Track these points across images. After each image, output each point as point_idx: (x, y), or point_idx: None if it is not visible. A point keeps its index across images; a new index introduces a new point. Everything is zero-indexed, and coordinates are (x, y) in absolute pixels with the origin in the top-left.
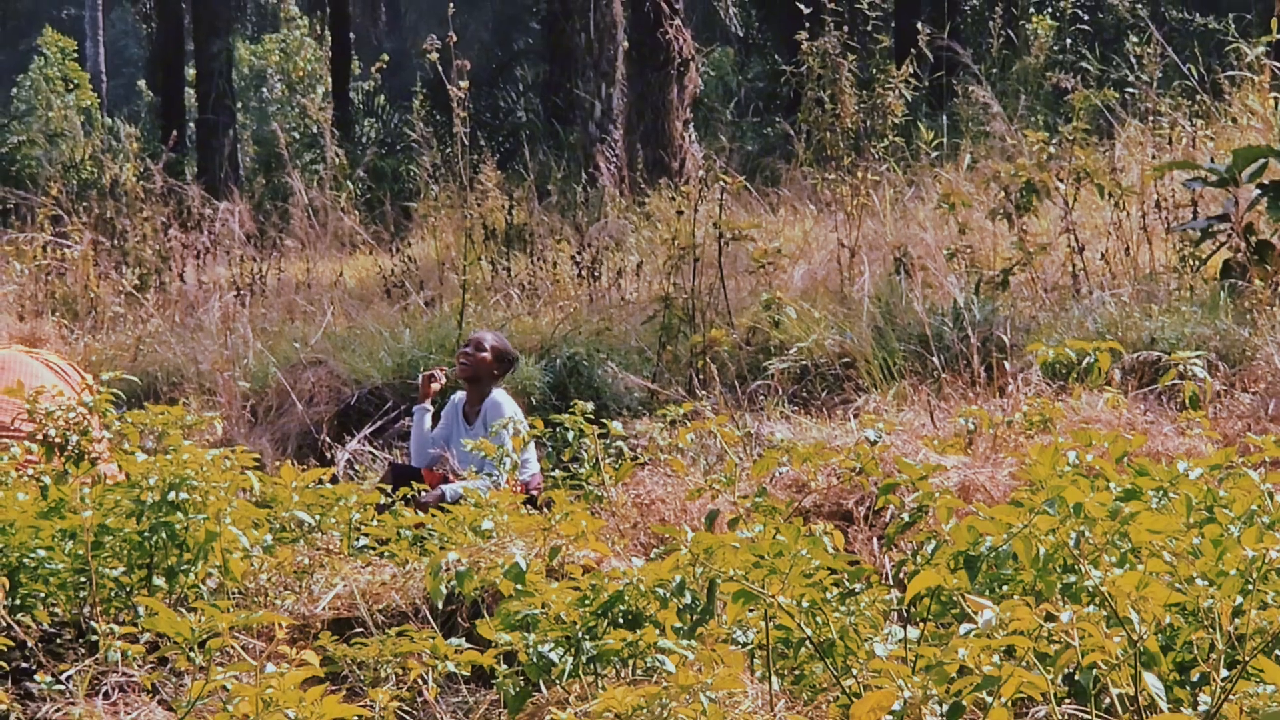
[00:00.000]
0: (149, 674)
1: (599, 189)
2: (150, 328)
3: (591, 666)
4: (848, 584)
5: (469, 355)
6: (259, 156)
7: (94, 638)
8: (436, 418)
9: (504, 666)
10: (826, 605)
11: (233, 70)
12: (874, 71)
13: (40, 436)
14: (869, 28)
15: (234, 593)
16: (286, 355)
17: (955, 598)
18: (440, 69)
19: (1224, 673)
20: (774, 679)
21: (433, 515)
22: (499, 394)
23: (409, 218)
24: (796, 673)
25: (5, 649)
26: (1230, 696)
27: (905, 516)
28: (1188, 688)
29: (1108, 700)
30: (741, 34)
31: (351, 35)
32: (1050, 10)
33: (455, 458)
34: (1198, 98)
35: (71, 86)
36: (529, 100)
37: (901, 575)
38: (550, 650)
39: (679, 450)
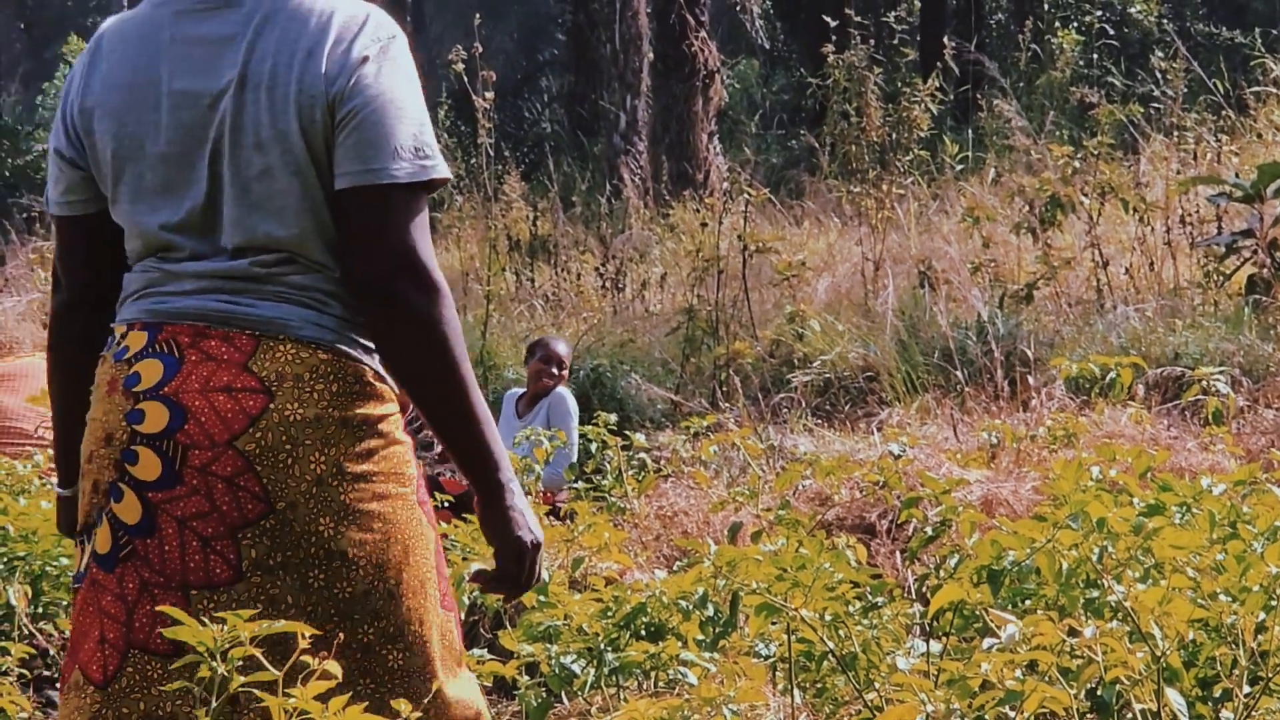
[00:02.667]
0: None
1: (623, 200)
2: None
3: (613, 678)
4: (870, 597)
5: (552, 376)
6: None
7: None
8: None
9: (526, 678)
10: (849, 619)
11: None
12: (899, 85)
13: None
14: (895, 41)
15: None
16: None
17: (978, 612)
18: (465, 79)
19: (1246, 689)
20: (796, 692)
21: (455, 526)
22: (563, 391)
23: (433, 228)
24: (818, 686)
25: (27, 657)
26: (1253, 712)
27: (928, 530)
28: (1210, 704)
29: (1130, 715)
30: (767, 46)
31: None
32: (1076, 25)
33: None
34: (1223, 113)
35: None
36: (554, 111)
37: (924, 589)
38: (572, 662)
39: (702, 463)
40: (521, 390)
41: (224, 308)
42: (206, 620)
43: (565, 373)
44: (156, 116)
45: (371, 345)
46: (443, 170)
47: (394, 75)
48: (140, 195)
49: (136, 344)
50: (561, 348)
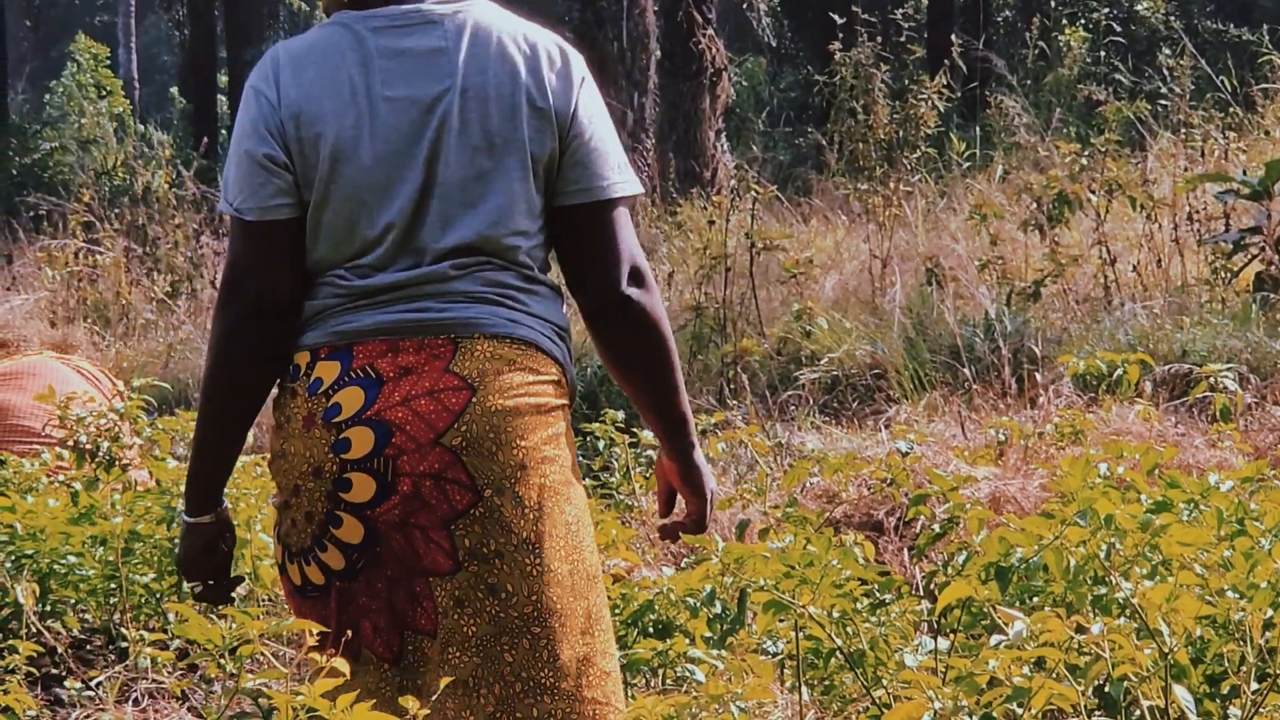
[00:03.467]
0: (179, 681)
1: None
2: (182, 334)
3: (622, 675)
4: (878, 595)
5: None
6: None
7: (124, 644)
8: None
9: None
10: (857, 616)
11: None
12: (907, 82)
13: (71, 443)
14: (902, 38)
15: (264, 600)
16: None
17: (986, 609)
18: None
19: (1254, 685)
20: (804, 689)
21: None
22: None
23: None
24: (826, 683)
25: (35, 655)
26: (1261, 709)
27: (936, 527)
28: (1218, 700)
29: (1138, 712)
30: (774, 44)
31: None
32: (1083, 22)
33: None
34: (1230, 110)
35: (104, 93)
36: None
37: (932, 586)
38: None
39: (709, 460)
40: None
41: (415, 317)
42: (451, 607)
43: None
44: (371, 121)
45: (559, 337)
46: (639, 186)
47: (600, 100)
48: (354, 194)
49: (329, 374)
50: None
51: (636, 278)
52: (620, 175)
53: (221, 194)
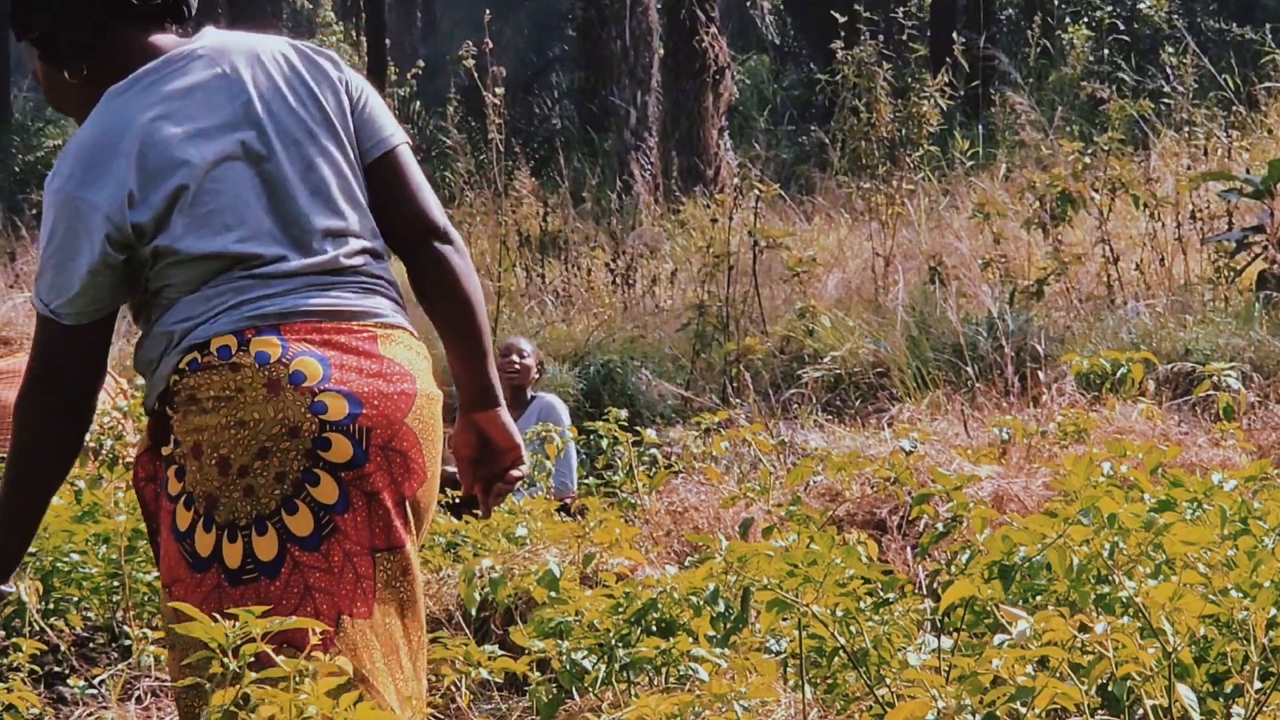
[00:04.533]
0: None
1: (634, 196)
2: None
3: (624, 674)
4: (881, 593)
5: (515, 365)
6: None
7: (127, 642)
8: None
9: (537, 674)
10: (860, 614)
11: None
12: (909, 80)
13: None
14: (905, 37)
15: None
16: None
17: (989, 608)
18: (476, 75)
19: (1258, 685)
20: (807, 688)
21: (466, 522)
22: (552, 398)
23: None
24: (830, 682)
25: (38, 653)
26: (1264, 708)
27: (939, 526)
28: (1221, 700)
29: (1141, 711)
30: (777, 42)
31: (387, 41)
32: (1086, 20)
33: None
34: (1233, 108)
35: None
36: (564, 107)
37: (935, 585)
38: (584, 658)
39: (713, 458)
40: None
41: (326, 302)
42: (382, 588)
43: (529, 362)
44: (194, 152)
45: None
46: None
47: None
48: (205, 221)
49: (271, 348)
50: (520, 341)
51: (440, 210)
52: (396, 128)
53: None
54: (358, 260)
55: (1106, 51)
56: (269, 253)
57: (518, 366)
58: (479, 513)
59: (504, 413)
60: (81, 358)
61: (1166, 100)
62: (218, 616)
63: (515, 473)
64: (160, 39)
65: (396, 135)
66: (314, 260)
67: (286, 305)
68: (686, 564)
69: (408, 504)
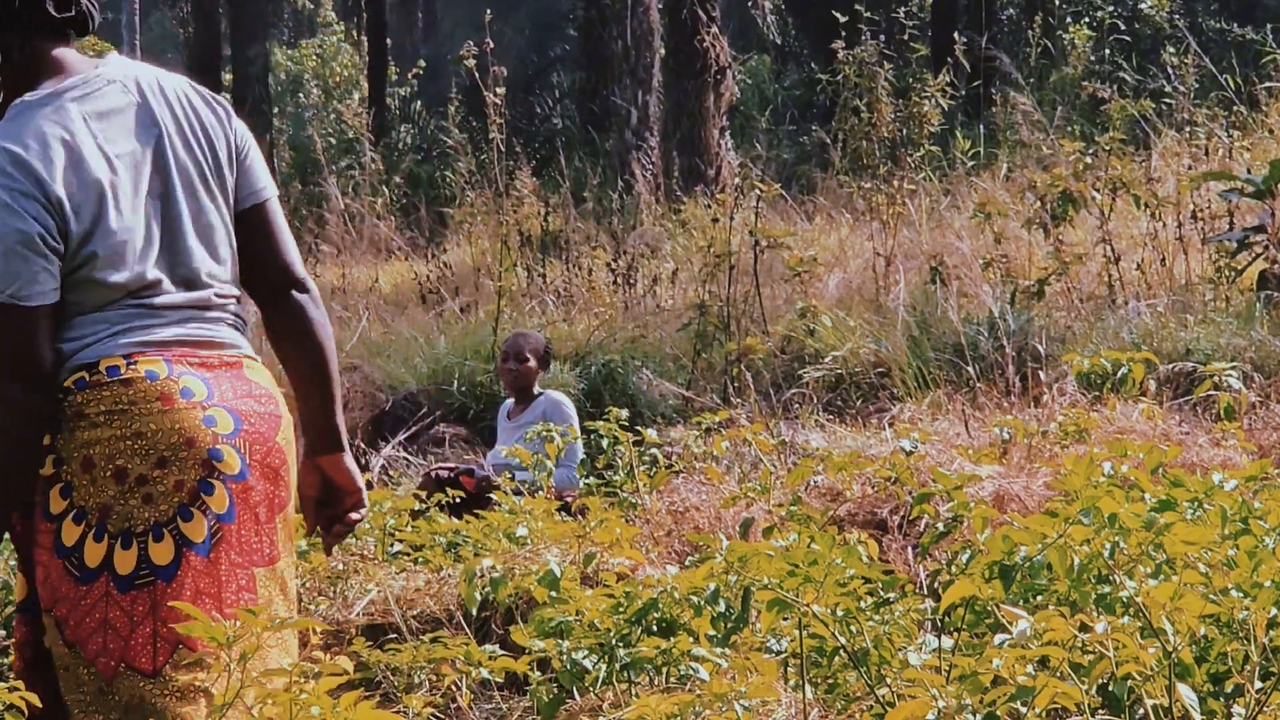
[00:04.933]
0: None
1: (635, 196)
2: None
3: (625, 674)
4: (882, 593)
5: (514, 370)
6: (295, 162)
7: None
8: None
9: (537, 673)
10: (861, 614)
11: (269, 75)
12: (910, 80)
13: None
14: (906, 36)
15: None
16: None
17: (990, 608)
18: (477, 75)
19: (1258, 684)
20: (808, 688)
21: (467, 521)
22: (558, 395)
23: (445, 224)
24: (830, 681)
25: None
26: (1265, 708)
27: (940, 526)
28: (1221, 699)
29: (1141, 711)
30: (778, 42)
31: (388, 41)
32: (1087, 20)
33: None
34: (1234, 108)
35: None
36: (565, 107)
37: (936, 585)
38: (584, 657)
39: (714, 458)
40: (511, 401)
41: (202, 332)
42: (278, 595)
43: (531, 364)
44: (113, 176)
45: None
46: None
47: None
48: (113, 250)
49: (159, 367)
50: (521, 342)
51: (300, 262)
52: (270, 180)
53: None
54: (228, 300)
55: (1108, 51)
56: (160, 285)
57: (517, 370)
58: (480, 513)
59: (348, 457)
60: (48, 341)
61: (1168, 100)
62: (108, 622)
63: (354, 515)
64: (64, 53)
65: (269, 189)
66: (195, 295)
67: (169, 334)
68: (687, 564)
69: (279, 520)
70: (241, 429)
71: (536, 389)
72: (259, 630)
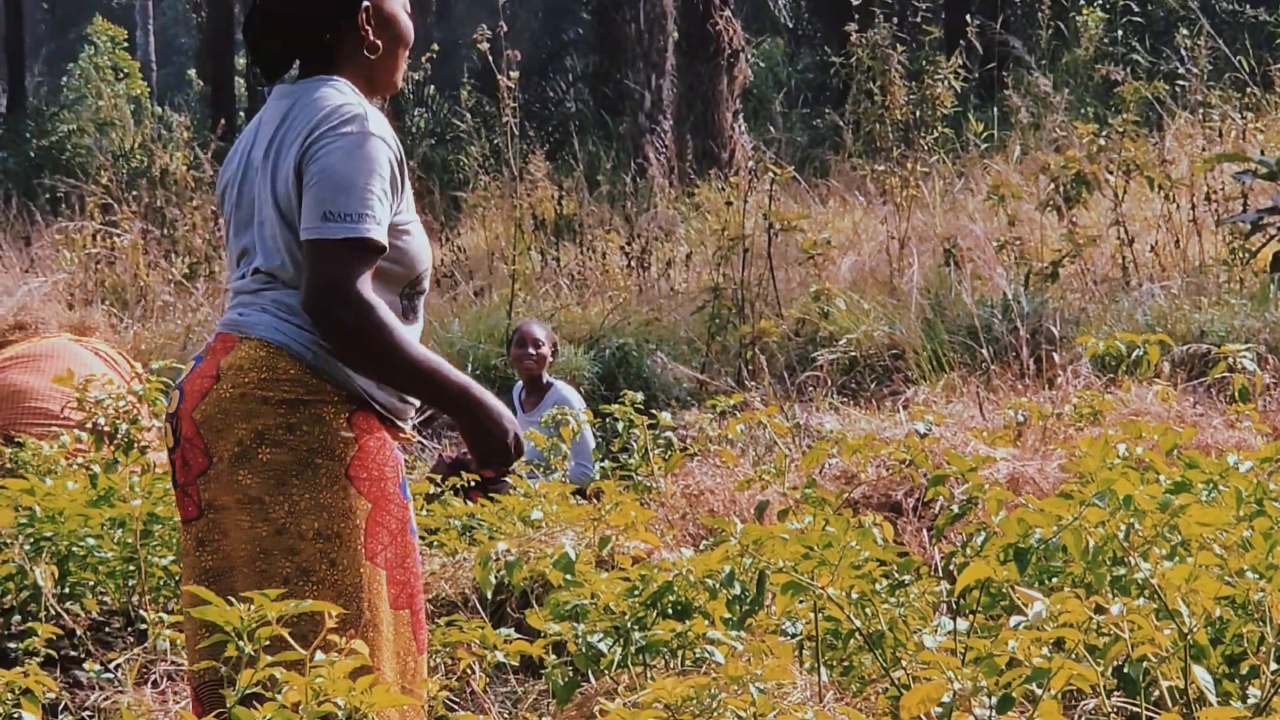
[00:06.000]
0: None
1: (648, 179)
2: (200, 316)
3: (640, 657)
4: (897, 576)
5: (530, 357)
6: None
7: (142, 626)
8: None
9: (553, 657)
10: (876, 597)
11: None
12: (923, 63)
13: (90, 425)
14: (918, 19)
15: None
16: None
17: (1005, 590)
18: (490, 59)
19: (1274, 666)
20: (823, 670)
21: (482, 505)
22: (566, 389)
23: (458, 208)
24: (845, 664)
25: (54, 637)
26: None
27: (955, 508)
28: (1237, 681)
29: (1157, 693)
30: (791, 25)
31: None
32: (1100, 2)
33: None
34: (1248, 90)
35: (121, 75)
36: (578, 91)
37: (951, 567)
38: (599, 641)
39: (728, 441)
40: (520, 385)
41: (229, 316)
42: (194, 548)
43: (545, 351)
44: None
45: (319, 346)
46: (348, 230)
47: (340, 156)
48: (228, 225)
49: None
50: (536, 328)
51: (331, 301)
52: (320, 222)
53: (367, 218)
54: (265, 287)
55: (1121, 33)
56: (233, 274)
57: (534, 356)
58: (495, 496)
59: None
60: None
61: (1181, 82)
62: None
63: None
64: None
65: (306, 229)
66: (237, 283)
67: (224, 317)
68: (702, 547)
69: (199, 482)
70: (178, 408)
71: (546, 378)
72: (274, 615)
